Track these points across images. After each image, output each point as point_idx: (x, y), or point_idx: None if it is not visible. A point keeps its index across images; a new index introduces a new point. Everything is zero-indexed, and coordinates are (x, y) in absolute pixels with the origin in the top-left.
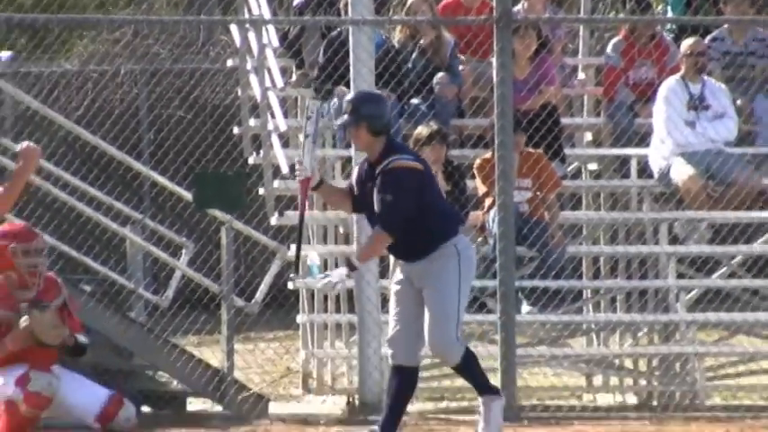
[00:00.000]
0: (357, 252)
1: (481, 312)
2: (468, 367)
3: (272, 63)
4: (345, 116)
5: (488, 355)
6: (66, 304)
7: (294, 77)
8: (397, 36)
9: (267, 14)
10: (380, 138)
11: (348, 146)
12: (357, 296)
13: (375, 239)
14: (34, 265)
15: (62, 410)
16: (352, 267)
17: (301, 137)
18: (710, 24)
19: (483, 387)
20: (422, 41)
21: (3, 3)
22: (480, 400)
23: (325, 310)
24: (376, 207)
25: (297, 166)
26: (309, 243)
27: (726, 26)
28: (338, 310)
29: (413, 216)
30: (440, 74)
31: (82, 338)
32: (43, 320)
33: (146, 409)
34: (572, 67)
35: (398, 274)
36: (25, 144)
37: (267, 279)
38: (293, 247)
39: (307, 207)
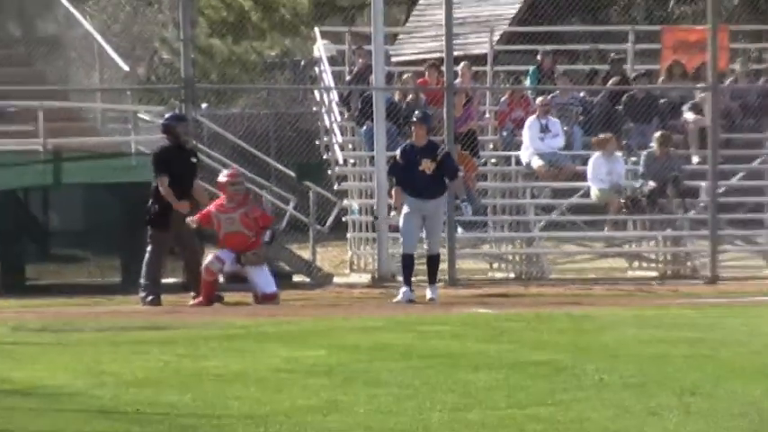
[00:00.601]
0: (458, 190)
1: None
2: (436, 260)
3: (334, 108)
4: (415, 119)
5: (442, 253)
6: (247, 213)
7: (346, 116)
8: (396, 95)
9: (332, 83)
10: (428, 134)
11: (371, 149)
12: (377, 224)
13: (461, 181)
14: (236, 190)
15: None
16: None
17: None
18: (550, 90)
19: (433, 278)
20: (408, 98)
21: (202, 77)
22: (429, 287)
23: (361, 231)
24: (445, 169)
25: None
26: (353, 197)
27: (558, 91)
28: (367, 231)
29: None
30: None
31: (266, 238)
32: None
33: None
34: (483, 111)
35: (407, 209)
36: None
37: (332, 215)
38: (345, 201)
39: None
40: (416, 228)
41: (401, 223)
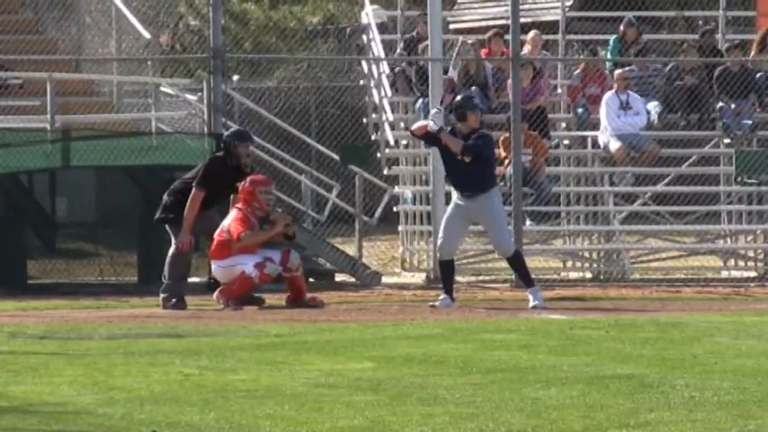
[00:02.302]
0: (448, 139)
1: None
2: (517, 261)
3: (385, 82)
4: (472, 107)
5: None
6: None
7: (398, 89)
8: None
9: (382, 54)
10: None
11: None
12: (433, 215)
13: (454, 143)
14: (269, 198)
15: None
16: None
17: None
18: (629, 63)
19: (527, 280)
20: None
21: (233, 46)
22: (527, 291)
23: (414, 223)
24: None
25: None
26: (406, 184)
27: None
28: (421, 223)
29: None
30: (473, 88)
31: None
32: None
33: (311, 280)
34: (553, 85)
35: (453, 206)
36: (280, 213)
37: (381, 205)
38: (397, 188)
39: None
40: (457, 232)
41: (442, 223)
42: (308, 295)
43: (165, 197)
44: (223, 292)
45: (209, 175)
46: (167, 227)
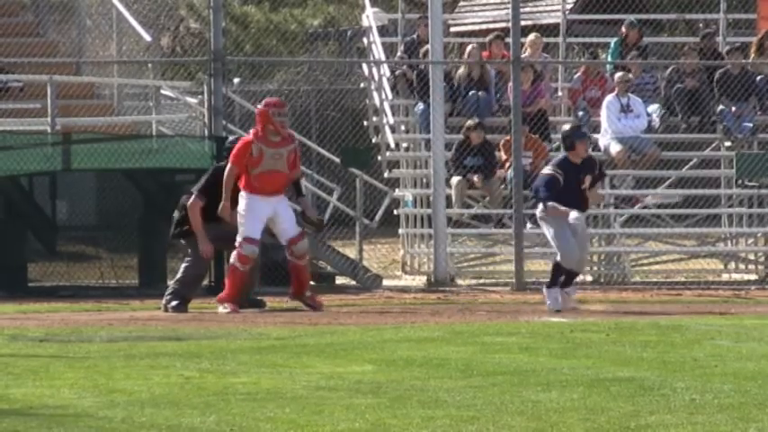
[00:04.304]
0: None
1: (503, 228)
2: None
3: (386, 85)
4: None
5: (509, 253)
6: (296, 150)
7: (398, 92)
8: (459, 71)
9: (383, 57)
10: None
11: (426, 131)
12: (434, 218)
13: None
14: (282, 120)
15: (275, 230)
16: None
17: None
18: (630, 65)
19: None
20: (472, 73)
21: (234, 49)
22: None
23: (415, 226)
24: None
25: None
26: (407, 187)
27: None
28: (422, 226)
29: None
30: (480, 93)
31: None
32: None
33: (311, 283)
34: (554, 88)
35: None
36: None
37: (382, 208)
38: (397, 191)
39: None
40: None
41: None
42: (309, 293)
43: (175, 214)
44: (220, 297)
45: (210, 186)
46: (183, 241)
